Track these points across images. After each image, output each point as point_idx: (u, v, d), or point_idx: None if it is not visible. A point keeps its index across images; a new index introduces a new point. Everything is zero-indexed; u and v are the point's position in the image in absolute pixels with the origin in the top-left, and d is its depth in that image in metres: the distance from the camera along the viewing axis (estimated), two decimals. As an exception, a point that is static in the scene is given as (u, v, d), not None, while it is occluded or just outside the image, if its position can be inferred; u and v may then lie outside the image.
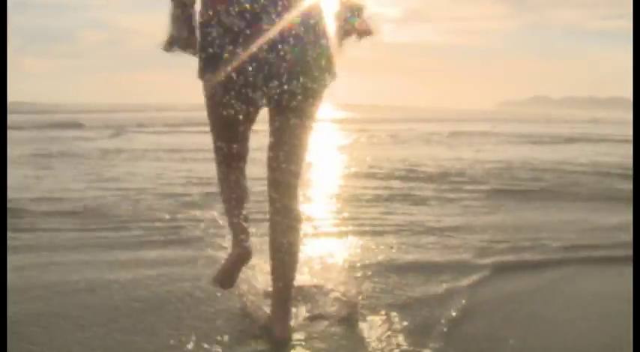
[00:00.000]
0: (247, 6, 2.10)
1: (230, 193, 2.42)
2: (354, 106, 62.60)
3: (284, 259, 2.35)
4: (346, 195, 5.77)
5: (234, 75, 2.14)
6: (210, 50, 2.16)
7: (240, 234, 2.35)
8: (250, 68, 2.13)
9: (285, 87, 2.16)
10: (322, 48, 2.22)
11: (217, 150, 2.40)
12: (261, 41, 2.10)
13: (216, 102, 2.25)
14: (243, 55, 2.11)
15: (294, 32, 2.14)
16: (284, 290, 2.37)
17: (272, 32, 2.11)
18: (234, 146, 2.36)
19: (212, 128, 2.38)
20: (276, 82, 2.15)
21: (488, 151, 11.60)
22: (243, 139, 2.37)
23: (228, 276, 2.40)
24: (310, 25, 2.18)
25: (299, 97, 2.20)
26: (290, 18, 2.13)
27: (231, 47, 2.12)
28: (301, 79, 2.18)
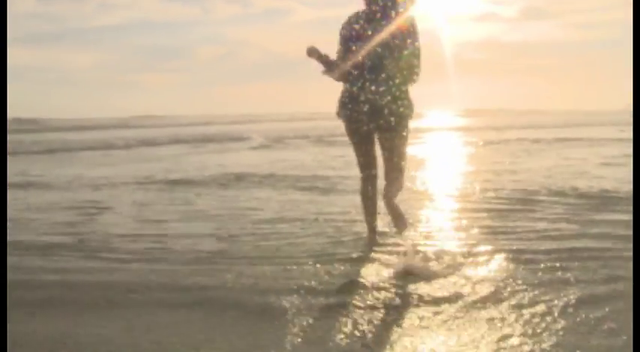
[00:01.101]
0: (363, 78, 3.90)
1: (366, 201, 4.26)
2: (478, 111, 61.75)
3: (394, 210, 4.09)
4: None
5: (355, 114, 3.96)
6: (344, 101, 4.02)
7: (371, 230, 4.34)
8: (365, 110, 3.90)
9: (385, 121, 3.90)
10: (401, 97, 3.91)
11: (358, 164, 4.21)
12: (368, 98, 3.89)
13: (349, 132, 4.08)
14: (359, 104, 3.92)
15: (386, 90, 3.86)
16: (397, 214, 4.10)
17: (374, 91, 3.87)
18: (365, 158, 4.15)
19: (353, 149, 4.19)
20: (380, 119, 3.90)
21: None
22: (369, 155, 4.15)
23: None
24: (397, 85, 3.88)
25: (393, 126, 3.92)
26: (384, 82, 3.87)
27: (349, 101, 3.97)
28: (393, 117, 3.88)
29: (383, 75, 3.86)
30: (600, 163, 10.11)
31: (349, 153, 4.61)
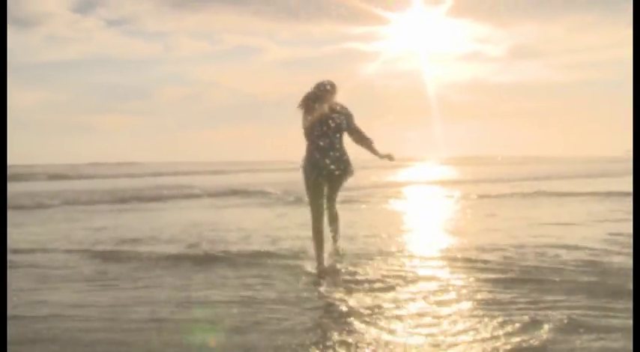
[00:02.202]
0: (321, 145, 5.86)
1: (316, 235, 5.85)
2: (465, 159, 58.69)
3: (335, 232, 6.19)
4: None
5: (316, 170, 5.84)
6: (309, 161, 5.90)
7: (320, 263, 5.80)
8: (323, 167, 5.83)
9: (334, 174, 5.87)
10: (347, 161, 5.97)
11: (311, 204, 5.88)
12: (326, 159, 5.85)
13: (310, 181, 5.89)
14: (319, 163, 5.85)
15: (338, 155, 5.87)
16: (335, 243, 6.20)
17: (331, 155, 5.85)
18: (319, 202, 5.91)
19: (307, 193, 5.94)
20: (331, 172, 5.85)
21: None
22: (321, 199, 5.92)
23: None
24: (343, 150, 5.94)
25: (340, 179, 5.96)
26: (337, 149, 5.92)
27: (315, 161, 5.87)
28: (339, 172, 5.87)
29: (337, 146, 5.85)
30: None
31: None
